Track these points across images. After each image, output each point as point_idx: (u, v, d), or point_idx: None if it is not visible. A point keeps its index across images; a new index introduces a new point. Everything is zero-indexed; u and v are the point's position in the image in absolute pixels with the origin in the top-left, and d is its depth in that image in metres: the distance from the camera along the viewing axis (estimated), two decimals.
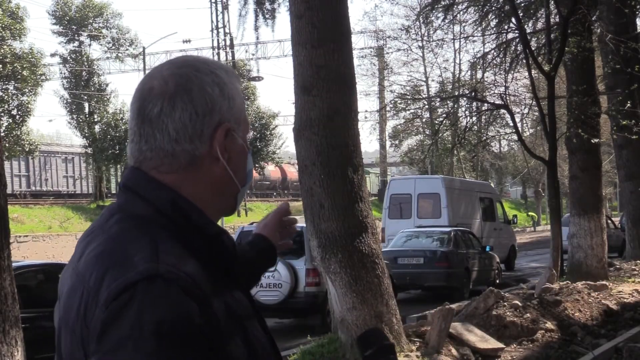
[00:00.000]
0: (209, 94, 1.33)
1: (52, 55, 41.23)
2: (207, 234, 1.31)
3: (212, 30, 42.82)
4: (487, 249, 17.48)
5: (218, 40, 42.80)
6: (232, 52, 42.60)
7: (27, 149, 33.13)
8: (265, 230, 1.96)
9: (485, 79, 19.32)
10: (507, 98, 16.69)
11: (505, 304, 9.78)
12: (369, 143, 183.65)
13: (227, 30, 42.87)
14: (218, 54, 42.44)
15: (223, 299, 1.27)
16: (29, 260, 13.50)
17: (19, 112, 32.44)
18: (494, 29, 18.43)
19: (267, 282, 11.57)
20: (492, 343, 8.62)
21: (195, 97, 1.32)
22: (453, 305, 9.53)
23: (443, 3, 17.65)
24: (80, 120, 39.87)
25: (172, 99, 1.31)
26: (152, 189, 1.32)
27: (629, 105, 14.84)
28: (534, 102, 15.51)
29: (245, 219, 35.79)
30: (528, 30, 16.88)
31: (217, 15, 42.66)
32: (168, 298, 1.17)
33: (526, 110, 23.75)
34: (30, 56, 31.33)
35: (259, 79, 41.48)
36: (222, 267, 1.33)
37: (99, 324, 1.18)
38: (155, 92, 1.32)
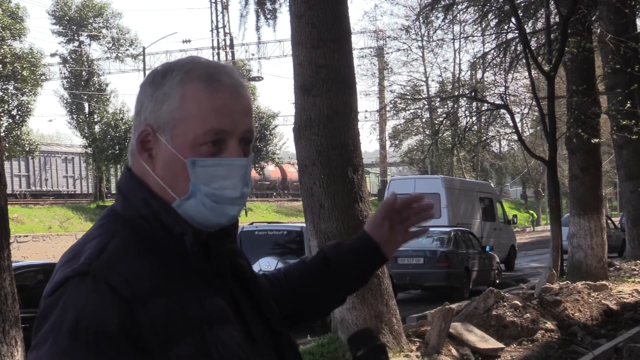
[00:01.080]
0: (142, 93, 1.35)
1: (52, 55, 41.23)
2: (172, 234, 1.31)
3: (212, 30, 42.84)
4: (487, 249, 17.48)
5: (218, 40, 42.81)
6: (232, 52, 42.59)
7: (27, 149, 33.11)
8: (369, 226, 1.71)
9: (485, 79, 19.34)
10: (507, 98, 16.69)
11: (505, 304, 9.77)
12: (369, 143, 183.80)
13: (227, 30, 42.90)
14: (218, 54, 42.45)
15: (176, 301, 1.23)
16: (29, 260, 13.49)
17: (19, 112, 32.41)
18: (494, 29, 18.43)
19: None
20: (492, 343, 8.61)
21: (138, 96, 1.36)
22: (453, 305, 9.53)
23: (443, 3, 17.65)
24: (80, 120, 39.86)
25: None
26: (131, 189, 1.35)
27: (629, 105, 14.84)
28: (534, 102, 15.51)
29: (245, 219, 35.80)
30: (528, 30, 16.88)
31: (217, 15, 42.68)
32: (90, 296, 1.18)
33: (526, 110, 23.76)
34: (30, 56, 31.30)
35: (259, 79, 41.48)
36: (190, 269, 1.30)
37: (37, 318, 1.23)
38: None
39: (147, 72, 1.40)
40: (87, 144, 40.22)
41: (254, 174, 43.62)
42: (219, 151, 1.30)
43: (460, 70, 38.96)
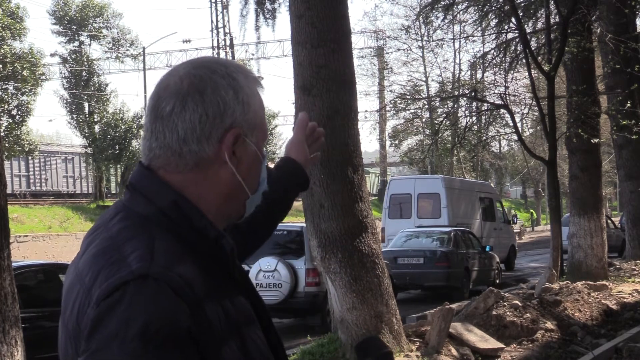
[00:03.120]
0: (222, 96, 1.32)
1: (52, 55, 41.23)
2: (206, 237, 1.30)
3: (212, 30, 42.85)
4: (487, 249, 17.48)
5: (218, 40, 42.82)
6: (232, 52, 42.60)
7: (27, 149, 33.11)
8: (292, 150, 1.94)
9: (485, 79, 19.32)
10: (507, 98, 16.68)
11: (505, 304, 9.78)
12: (369, 143, 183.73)
13: (227, 30, 42.90)
14: (218, 54, 42.43)
15: (220, 303, 1.25)
16: (29, 260, 13.50)
17: (19, 112, 32.41)
18: (494, 28, 18.43)
19: (267, 282, 11.57)
20: (492, 343, 8.62)
21: (207, 99, 1.31)
22: (453, 305, 9.53)
23: (443, 3, 17.65)
24: (80, 120, 39.86)
25: (184, 98, 1.31)
26: (155, 189, 1.32)
27: (629, 105, 14.85)
28: (534, 102, 15.52)
29: None
30: (528, 30, 16.88)
31: (217, 15, 42.68)
32: (157, 299, 1.16)
33: (526, 110, 23.73)
34: (30, 56, 31.29)
35: (259, 78, 41.47)
36: (222, 271, 1.32)
37: (90, 322, 1.18)
38: (170, 90, 1.33)
39: (186, 78, 1.33)
40: (87, 144, 40.23)
41: None
42: None
43: (460, 70, 38.99)
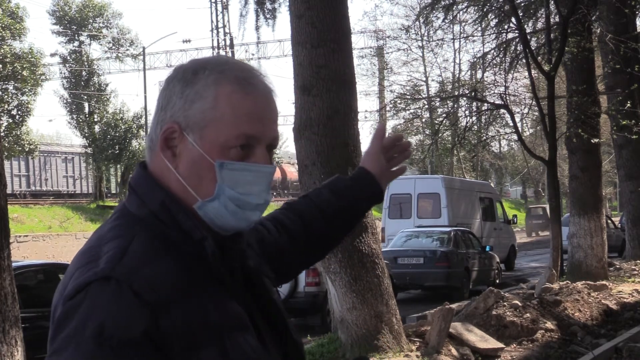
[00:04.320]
0: (171, 89, 1.32)
1: (52, 55, 41.23)
2: (192, 239, 1.29)
3: (212, 30, 42.83)
4: (487, 249, 17.48)
5: (218, 40, 42.81)
6: (232, 52, 42.58)
7: (27, 149, 33.11)
8: (367, 161, 1.81)
9: (485, 79, 19.30)
10: (507, 98, 16.67)
11: (505, 304, 9.78)
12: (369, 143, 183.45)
13: (227, 30, 42.88)
14: (218, 54, 42.43)
15: (199, 306, 1.22)
16: (29, 260, 13.50)
17: (19, 112, 32.41)
18: (494, 28, 18.43)
19: None
20: (492, 343, 8.61)
21: (164, 91, 1.34)
22: (453, 305, 9.53)
23: (443, 3, 17.65)
24: (80, 120, 39.85)
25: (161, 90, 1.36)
26: (147, 190, 1.32)
27: (629, 105, 14.85)
28: (534, 102, 15.51)
29: None
30: (528, 30, 16.88)
31: (217, 15, 42.67)
32: (116, 301, 1.17)
33: (526, 110, 23.71)
34: (30, 56, 31.28)
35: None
36: (209, 274, 1.28)
37: (54, 322, 1.21)
38: None
39: (174, 68, 1.35)
40: (87, 144, 40.23)
41: None
42: (246, 156, 1.28)
43: (460, 70, 39.02)
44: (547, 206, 20.56)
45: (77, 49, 40.37)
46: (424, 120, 37.09)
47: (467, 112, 19.50)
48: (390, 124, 44.58)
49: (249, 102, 1.28)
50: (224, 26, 42.80)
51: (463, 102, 19.37)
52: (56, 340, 1.18)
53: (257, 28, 15.11)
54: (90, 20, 39.95)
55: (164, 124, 1.31)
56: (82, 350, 1.14)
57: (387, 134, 1.84)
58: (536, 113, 20.10)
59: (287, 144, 52.90)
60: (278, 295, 1.47)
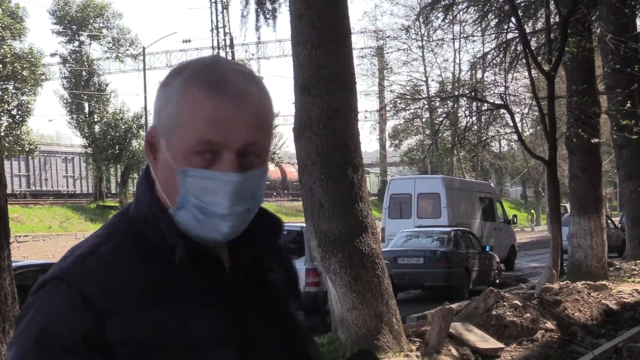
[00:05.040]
0: (156, 92, 1.30)
1: (52, 55, 41.24)
2: (167, 243, 1.25)
3: (212, 30, 42.85)
4: (487, 249, 17.48)
5: (218, 40, 42.82)
6: (232, 52, 42.59)
7: (27, 149, 33.12)
8: None
9: (485, 79, 19.31)
10: (507, 98, 16.68)
11: (505, 303, 9.78)
12: (369, 143, 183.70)
13: (227, 30, 42.91)
14: (218, 54, 42.44)
15: (157, 316, 1.18)
16: (29, 260, 13.49)
17: (19, 112, 32.42)
18: (494, 28, 18.43)
19: None
20: (492, 343, 8.62)
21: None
22: (453, 305, 9.53)
23: (443, 3, 17.65)
24: (80, 120, 39.86)
25: None
26: (142, 192, 1.30)
27: (629, 105, 14.86)
28: (534, 102, 15.51)
29: None
30: (528, 30, 16.88)
31: (217, 15, 42.69)
32: (62, 304, 1.16)
33: (526, 110, 23.73)
34: (30, 56, 31.29)
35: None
36: (186, 280, 1.23)
37: (17, 316, 1.22)
38: None
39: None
40: (87, 144, 40.24)
41: None
42: (213, 162, 1.21)
43: (460, 70, 38.99)
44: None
45: (77, 49, 40.37)
46: (424, 120, 37.11)
47: (467, 112, 19.52)
48: (390, 124, 44.67)
49: (212, 106, 1.21)
50: (224, 26, 42.82)
51: (463, 102, 19.39)
52: (13, 335, 1.20)
53: (258, 28, 15.13)
54: (91, 20, 39.96)
55: (150, 127, 1.30)
56: (23, 352, 1.15)
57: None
58: (536, 113, 20.10)
59: (287, 144, 52.97)
60: (297, 314, 1.40)
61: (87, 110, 40.38)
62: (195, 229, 1.24)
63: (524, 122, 39.96)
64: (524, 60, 14.89)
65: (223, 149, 1.21)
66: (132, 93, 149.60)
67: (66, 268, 1.20)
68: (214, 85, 1.22)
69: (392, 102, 26.76)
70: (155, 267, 1.22)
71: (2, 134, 29.54)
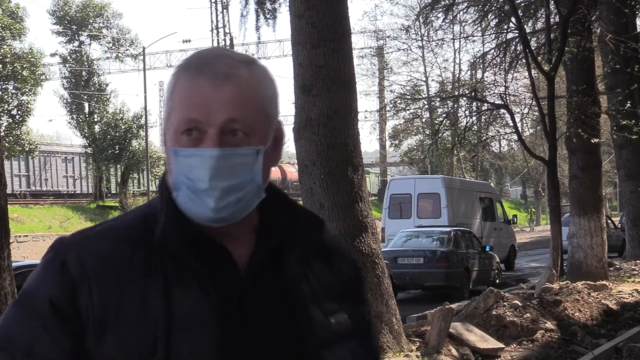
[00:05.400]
0: None
1: (52, 55, 41.24)
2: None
3: (212, 30, 42.86)
4: (487, 249, 17.47)
5: (218, 40, 42.81)
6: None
7: (27, 149, 33.12)
8: None
9: (485, 79, 19.30)
10: (507, 98, 16.67)
11: (505, 303, 9.78)
12: (369, 143, 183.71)
13: (227, 30, 42.91)
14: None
15: (130, 292, 1.21)
16: (29, 260, 13.47)
17: (19, 112, 32.42)
18: (494, 28, 18.43)
19: None
20: (492, 343, 8.62)
21: None
22: (453, 305, 9.53)
23: (443, 3, 17.65)
24: (80, 120, 39.87)
25: None
26: (161, 180, 1.35)
27: (629, 105, 14.86)
28: (534, 102, 15.52)
29: None
30: (528, 30, 16.87)
31: (217, 15, 42.69)
32: (43, 270, 1.26)
33: (526, 110, 23.74)
34: (30, 56, 31.30)
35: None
36: (176, 266, 1.25)
37: None
38: None
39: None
40: (87, 144, 40.24)
41: None
42: (200, 141, 1.24)
43: (460, 70, 39.00)
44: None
45: (77, 49, 40.38)
46: (424, 120, 37.11)
47: (467, 112, 19.50)
48: (390, 124, 44.65)
49: (194, 86, 1.25)
50: (224, 26, 42.83)
51: (463, 102, 19.39)
52: None
53: (258, 28, 15.14)
54: (91, 20, 39.97)
55: None
56: (8, 307, 1.27)
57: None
58: (536, 113, 20.10)
59: (287, 144, 52.81)
60: (320, 319, 1.33)
61: (87, 110, 40.38)
62: (190, 209, 1.26)
63: (524, 122, 39.98)
64: (524, 60, 14.89)
65: (207, 127, 1.24)
66: (132, 93, 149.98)
67: (63, 238, 1.29)
68: (199, 68, 1.26)
69: (392, 102, 26.75)
70: (141, 248, 1.26)
71: (2, 134, 29.53)
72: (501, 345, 8.70)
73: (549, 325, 9.60)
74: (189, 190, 1.25)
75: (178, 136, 1.25)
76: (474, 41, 29.97)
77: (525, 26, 16.01)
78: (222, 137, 1.24)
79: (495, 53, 17.80)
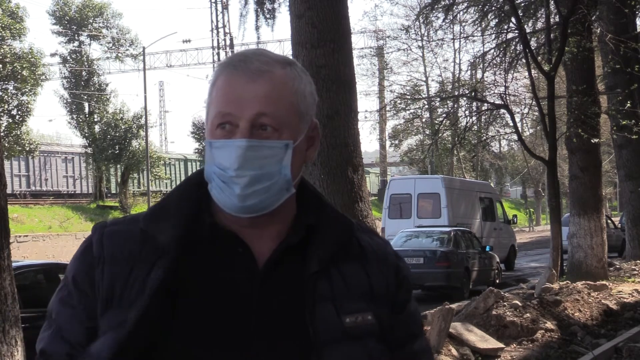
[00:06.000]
0: None
1: (52, 55, 41.24)
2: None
3: (212, 30, 42.85)
4: (487, 249, 17.47)
5: (218, 40, 42.82)
6: (232, 52, 42.58)
7: (27, 149, 33.11)
8: None
9: (485, 79, 19.32)
10: (507, 98, 16.67)
11: (505, 303, 9.78)
12: (369, 143, 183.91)
13: (227, 30, 42.90)
14: (218, 54, 42.47)
15: (134, 274, 1.30)
16: (29, 260, 13.49)
17: (19, 112, 32.40)
18: (494, 28, 18.43)
19: None
20: (492, 343, 8.62)
21: None
22: (453, 305, 9.53)
23: (443, 3, 17.65)
24: (80, 120, 39.86)
25: None
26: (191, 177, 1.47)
27: (629, 105, 14.87)
28: (534, 102, 15.52)
29: None
30: (528, 30, 16.87)
31: (217, 15, 42.68)
32: (79, 249, 1.38)
33: (526, 110, 23.77)
34: (30, 56, 31.29)
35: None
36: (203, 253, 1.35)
37: None
38: None
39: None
40: (87, 144, 40.23)
41: None
42: (232, 135, 1.31)
43: (460, 70, 38.97)
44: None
45: (77, 49, 40.38)
46: (424, 120, 37.13)
47: (467, 112, 19.52)
48: (390, 124, 44.66)
49: (228, 81, 1.32)
50: (224, 26, 42.82)
51: (463, 102, 19.40)
52: None
53: (257, 28, 15.12)
54: (90, 20, 39.96)
55: None
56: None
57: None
58: (536, 113, 20.11)
59: None
60: (331, 321, 1.33)
61: (87, 110, 40.38)
62: (221, 199, 1.32)
63: (524, 122, 40.03)
64: (524, 60, 14.89)
65: (238, 121, 1.30)
66: (132, 93, 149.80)
67: (98, 222, 1.41)
68: (233, 65, 1.34)
69: (392, 102, 26.77)
70: (156, 235, 1.34)
71: (2, 134, 29.54)
72: (501, 345, 8.70)
73: (549, 325, 9.60)
74: (220, 179, 1.31)
75: (214, 129, 1.32)
76: (474, 41, 30.00)
77: (525, 26, 16.02)
78: (253, 130, 1.30)
79: (495, 53, 17.80)
